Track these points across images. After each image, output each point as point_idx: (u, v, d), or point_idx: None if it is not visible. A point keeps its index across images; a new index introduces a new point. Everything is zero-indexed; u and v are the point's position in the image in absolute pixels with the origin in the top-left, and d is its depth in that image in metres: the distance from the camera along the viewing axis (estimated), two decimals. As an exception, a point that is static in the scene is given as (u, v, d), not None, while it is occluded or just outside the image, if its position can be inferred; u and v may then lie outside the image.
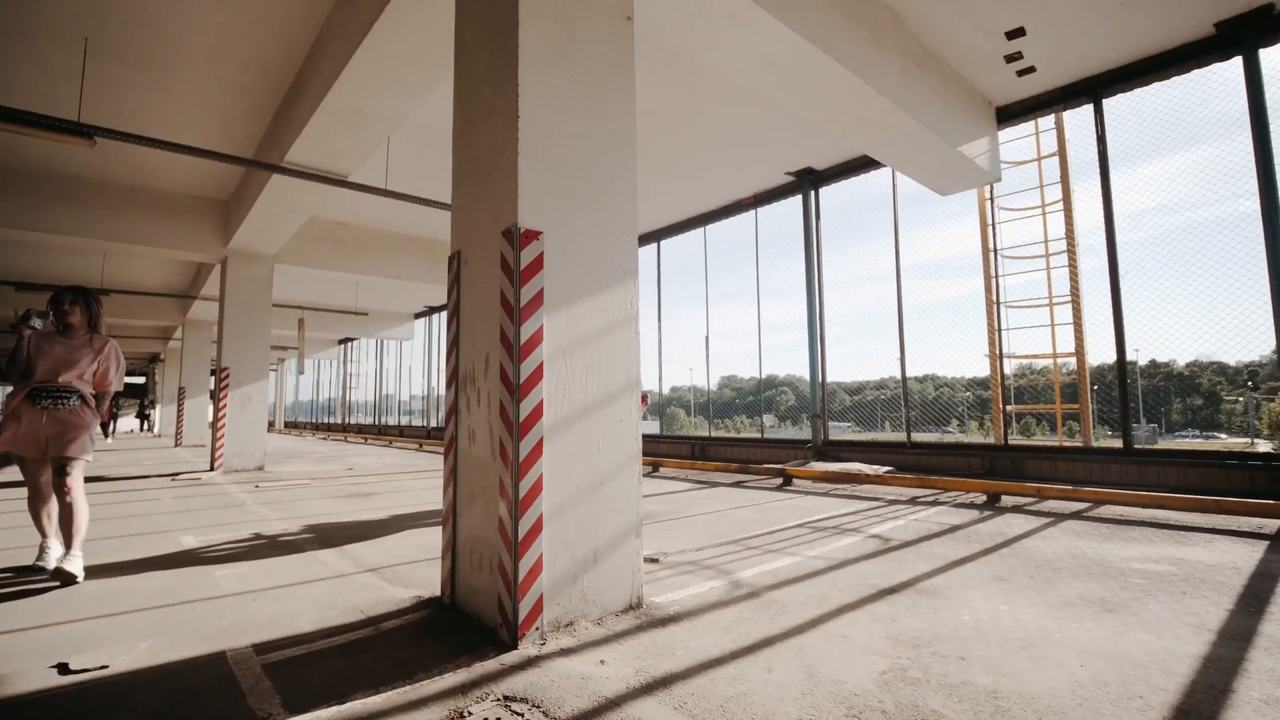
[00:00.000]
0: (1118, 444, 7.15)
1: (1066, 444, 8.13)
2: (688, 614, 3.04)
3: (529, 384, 2.75)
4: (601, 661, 2.46)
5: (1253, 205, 6.30)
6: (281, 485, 8.61)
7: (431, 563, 4.13)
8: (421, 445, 18.66)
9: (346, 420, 32.82)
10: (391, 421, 28.76)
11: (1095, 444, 8.00)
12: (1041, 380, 9.51)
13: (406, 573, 3.89)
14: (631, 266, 3.27)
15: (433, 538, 4.95)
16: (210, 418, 13.30)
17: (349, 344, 31.55)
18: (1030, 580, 3.52)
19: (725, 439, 11.57)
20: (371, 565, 4.09)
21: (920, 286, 12.71)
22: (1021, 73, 7.29)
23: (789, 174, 10.40)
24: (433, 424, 23.05)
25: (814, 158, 9.82)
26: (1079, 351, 7.82)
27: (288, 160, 7.26)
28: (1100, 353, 8.20)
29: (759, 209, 11.52)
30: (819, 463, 9.26)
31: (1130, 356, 7.13)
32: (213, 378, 13.01)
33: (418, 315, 24.05)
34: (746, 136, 9.04)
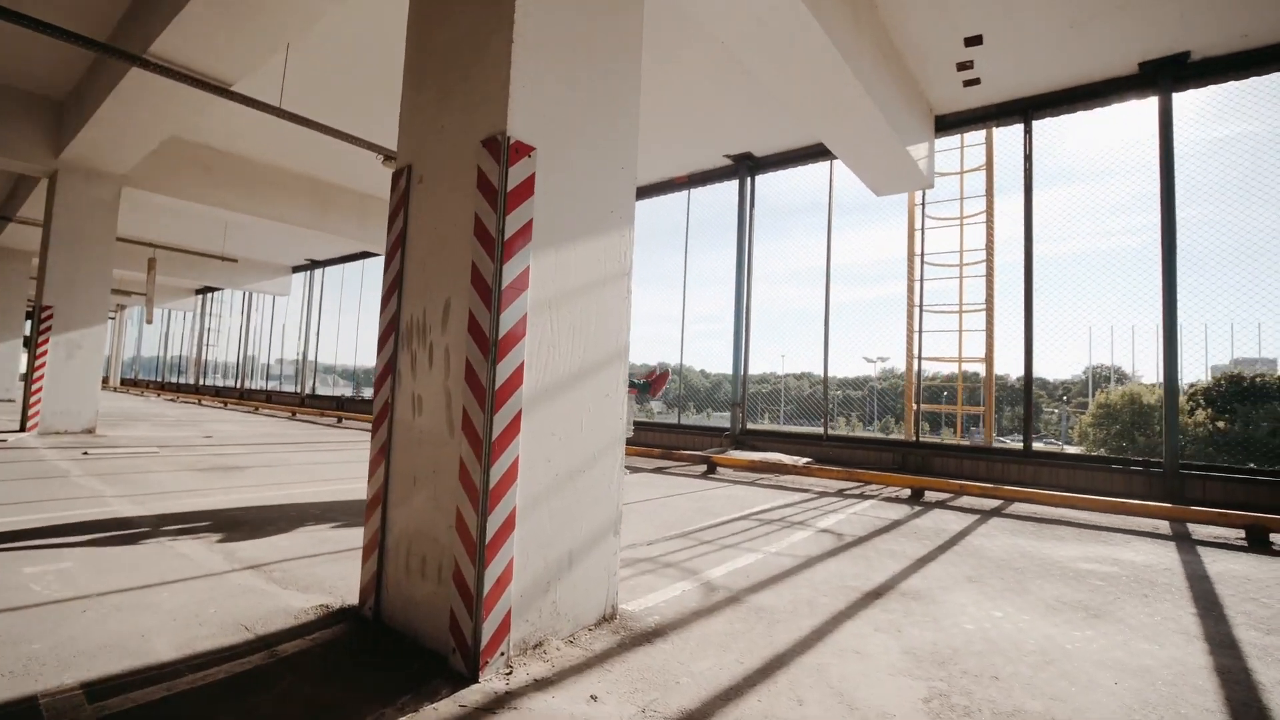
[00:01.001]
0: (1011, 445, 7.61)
1: (971, 444, 8.59)
2: (671, 626, 2.58)
3: (509, 341, 2.13)
4: (593, 698, 1.93)
5: (1112, 243, 6.83)
6: (120, 453, 7.09)
7: (335, 559, 3.35)
8: (295, 414, 16.70)
9: (200, 381, 28.90)
10: (257, 385, 25.68)
11: (995, 444, 8.52)
12: (940, 383, 10.02)
13: (301, 572, 3.10)
14: (629, 210, 2.71)
15: (333, 529, 4.11)
16: (23, 368, 10.88)
17: (209, 295, 27.73)
18: (1003, 582, 3.43)
19: (645, 423, 11.23)
20: (252, 561, 3.24)
21: (807, 292, 13.04)
22: (968, 83, 7.45)
23: (728, 156, 10.13)
24: (308, 390, 20.75)
25: (755, 143, 9.61)
26: (989, 357, 8.25)
27: (152, 53, 5.83)
28: (1001, 361, 8.72)
29: (693, 189, 11.20)
30: (739, 451, 9.16)
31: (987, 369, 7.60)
32: (30, 322, 10.61)
33: (297, 269, 21.50)
34: (693, 112, 8.63)
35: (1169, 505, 5.37)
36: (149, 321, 14.14)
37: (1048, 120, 7.75)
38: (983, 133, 8.70)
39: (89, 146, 8.19)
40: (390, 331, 2.51)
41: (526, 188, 2.20)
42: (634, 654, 2.28)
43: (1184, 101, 6.93)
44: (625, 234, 2.68)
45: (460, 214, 2.28)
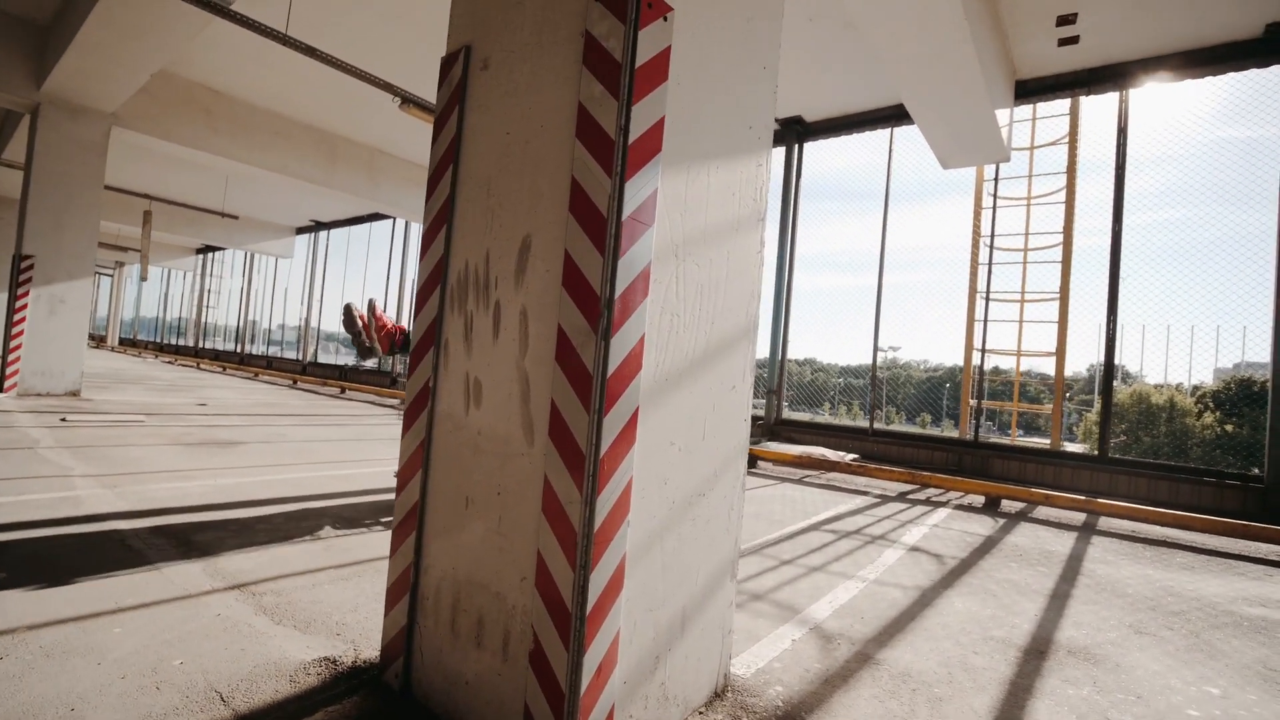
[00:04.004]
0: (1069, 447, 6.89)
1: (1036, 445, 7.88)
2: (803, 708, 1.88)
3: (628, 302, 1.38)
4: None
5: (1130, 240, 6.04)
6: (101, 421, 6.39)
7: (343, 577, 2.65)
8: (296, 381, 16.01)
9: (200, 344, 28.20)
10: (258, 351, 24.98)
11: (1062, 448, 7.81)
12: (998, 379, 9.27)
13: (300, 596, 2.40)
14: (768, 130, 1.94)
15: (340, 532, 3.41)
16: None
17: (210, 255, 26.88)
18: (1179, 636, 2.72)
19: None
20: (238, 576, 2.53)
21: (805, 278, 12.21)
22: (1063, 41, 6.56)
23: (776, 119, 9.24)
24: (310, 358, 20.03)
25: (807, 105, 8.74)
26: (1060, 350, 7.50)
27: (137, -42, 4.99)
28: (1075, 356, 7.95)
29: (731, 157, 10.32)
30: (775, 443, 8.46)
31: (978, 362, 6.85)
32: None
33: (301, 230, 20.64)
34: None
35: (1301, 531, 4.66)
36: (144, 278, 13.40)
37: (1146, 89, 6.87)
38: (1056, 104, 7.83)
39: (73, 77, 7.34)
40: (433, 286, 1.76)
41: (659, 67, 1.43)
42: (777, 763, 1.58)
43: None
44: (763, 163, 1.92)
45: (551, 108, 1.52)
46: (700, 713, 1.78)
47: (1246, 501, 6.04)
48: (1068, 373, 9.67)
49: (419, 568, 1.70)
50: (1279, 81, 6.18)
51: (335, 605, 2.34)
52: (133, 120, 8.70)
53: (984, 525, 4.83)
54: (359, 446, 6.27)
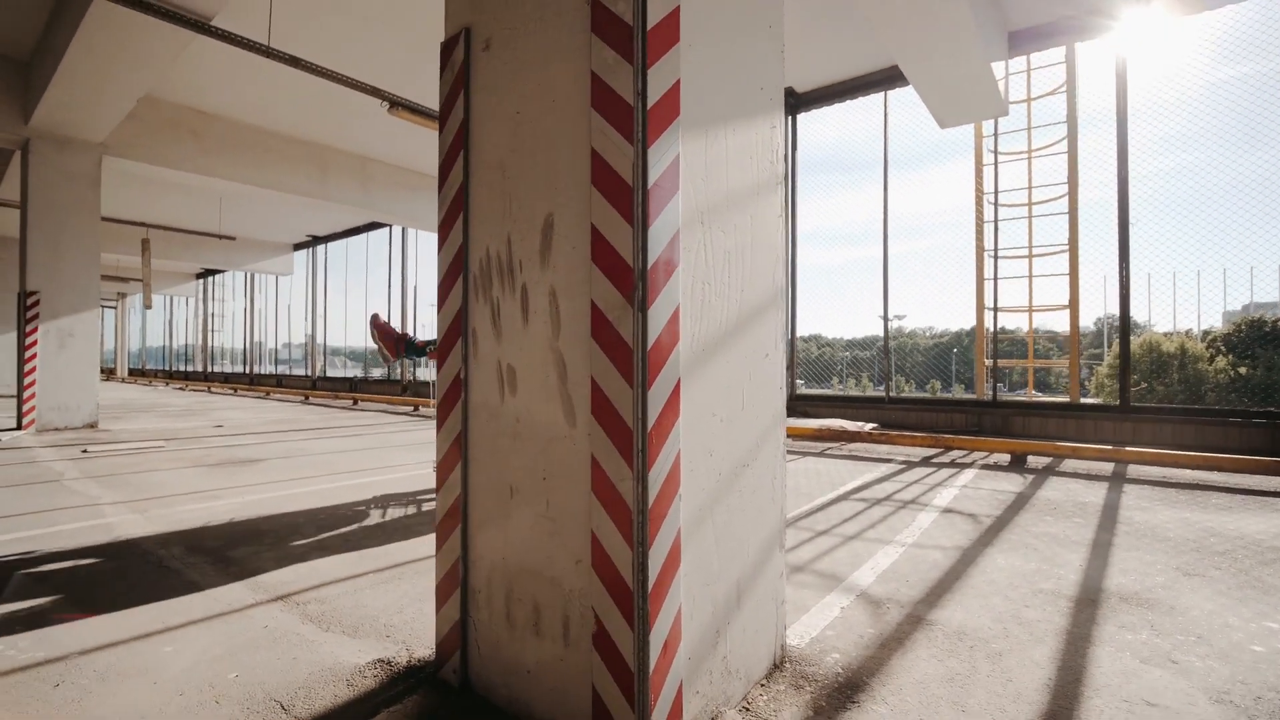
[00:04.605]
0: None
1: (1056, 400, 7.81)
2: (864, 671, 1.86)
3: (660, 271, 1.35)
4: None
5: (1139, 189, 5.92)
6: (122, 450, 6.42)
7: (383, 582, 2.64)
8: (308, 397, 16.08)
9: (209, 369, 28.34)
10: (266, 371, 25.07)
11: (1078, 401, 7.74)
12: (1006, 337, 9.20)
13: (344, 602, 2.39)
14: (779, 92, 1.89)
15: (372, 538, 3.41)
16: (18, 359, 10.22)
17: (211, 278, 26.93)
18: (1229, 575, 2.69)
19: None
20: (280, 588, 2.53)
21: (806, 251, 12.09)
22: (1055, -17, 6.43)
23: (766, 94, 9.12)
24: (319, 373, 20.08)
25: (798, 75, 8.61)
26: (1073, 304, 7.41)
27: (113, -19, 4.92)
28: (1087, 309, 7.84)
29: (724, 135, 10.21)
30: (793, 419, 8.43)
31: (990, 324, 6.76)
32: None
33: (299, 246, 20.63)
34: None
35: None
36: (148, 306, 13.42)
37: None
38: (1051, 54, 7.69)
39: (59, 108, 7.31)
40: (454, 276, 1.73)
41: (670, 28, 1.39)
42: (846, 728, 1.57)
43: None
44: (776, 125, 1.87)
45: (561, 82, 1.48)
46: (762, 684, 1.76)
47: (1275, 439, 5.97)
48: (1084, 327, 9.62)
49: (467, 561, 1.69)
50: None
51: (380, 608, 2.33)
52: (123, 148, 8.67)
53: (1013, 483, 4.80)
54: (379, 455, 6.28)
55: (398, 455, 6.24)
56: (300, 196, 10.98)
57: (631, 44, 1.33)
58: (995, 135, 7.66)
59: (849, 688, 1.77)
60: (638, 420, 1.29)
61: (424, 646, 2.00)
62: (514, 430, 1.57)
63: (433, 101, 8.26)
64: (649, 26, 1.34)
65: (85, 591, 2.49)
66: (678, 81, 1.40)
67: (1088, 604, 2.40)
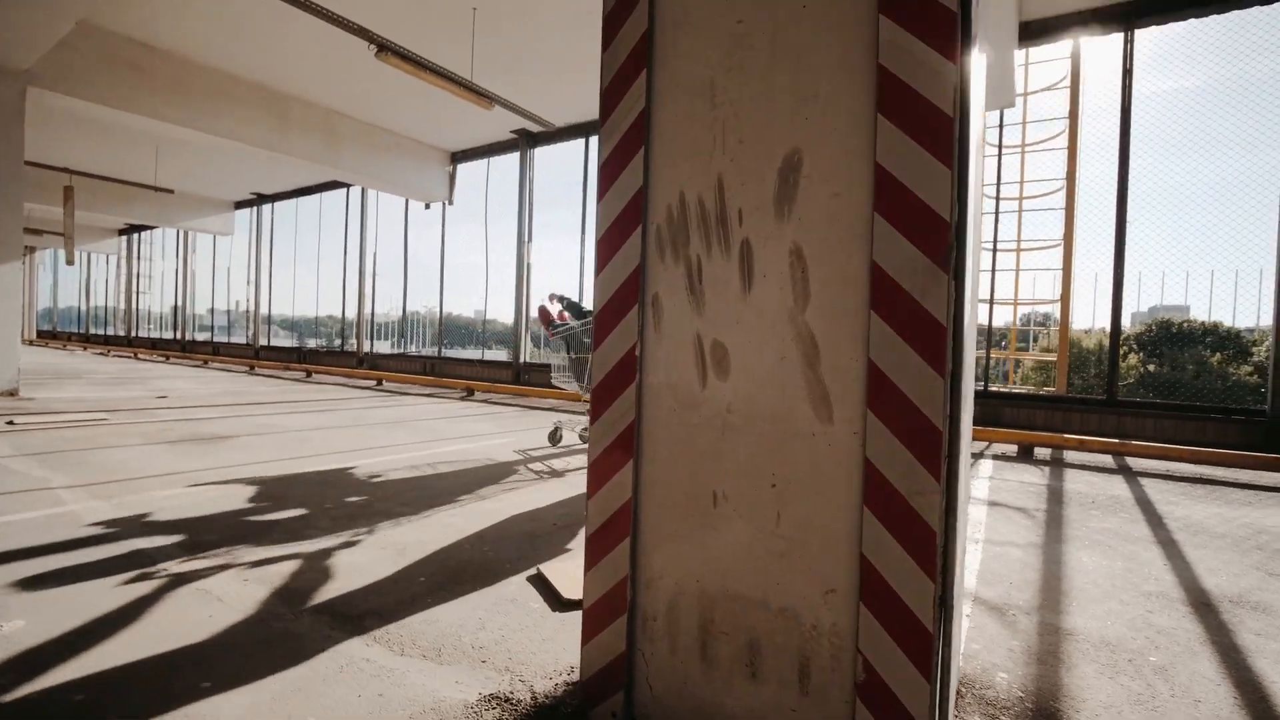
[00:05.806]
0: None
1: (1048, 393, 8.00)
2: (1045, 695, 1.67)
3: (968, 229, 1.06)
4: None
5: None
6: (57, 423, 5.64)
7: (447, 588, 2.27)
8: (253, 367, 14.96)
9: (133, 333, 26.07)
10: (200, 338, 23.27)
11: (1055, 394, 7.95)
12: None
13: (413, 621, 2.02)
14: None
15: (400, 528, 3.00)
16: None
17: (137, 235, 24.66)
18: (1318, 579, 2.67)
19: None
20: (318, 596, 2.13)
21: None
22: (1075, -24, 6.40)
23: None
24: (262, 342, 18.71)
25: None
26: (1064, 298, 7.57)
27: None
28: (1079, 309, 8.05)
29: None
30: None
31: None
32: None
33: (241, 204, 19.06)
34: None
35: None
36: (69, 262, 12.06)
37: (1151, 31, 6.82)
38: (1047, 49, 7.73)
39: (-23, 25, 6.26)
40: (625, 230, 1.38)
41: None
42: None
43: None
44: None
45: (825, -21, 1.15)
46: (957, 716, 1.53)
47: (1250, 435, 6.25)
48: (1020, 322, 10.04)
49: (636, 582, 1.37)
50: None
51: (454, 624, 1.98)
52: (53, 79, 7.56)
53: (1033, 474, 4.80)
54: (362, 433, 5.75)
55: (387, 434, 5.73)
56: (255, 148, 9.98)
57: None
58: (1000, 127, 7.66)
59: (1042, 715, 1.57)
60: (946, 418, 1.01)
61: (541, 676, 1.67)
62: (723, 422, 1.26)
63: (428, 51, 7.56)
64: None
65: (70, 606, 2.02)
66: (985, -13, 1.10)
67: (1202, 608, 2.31)
